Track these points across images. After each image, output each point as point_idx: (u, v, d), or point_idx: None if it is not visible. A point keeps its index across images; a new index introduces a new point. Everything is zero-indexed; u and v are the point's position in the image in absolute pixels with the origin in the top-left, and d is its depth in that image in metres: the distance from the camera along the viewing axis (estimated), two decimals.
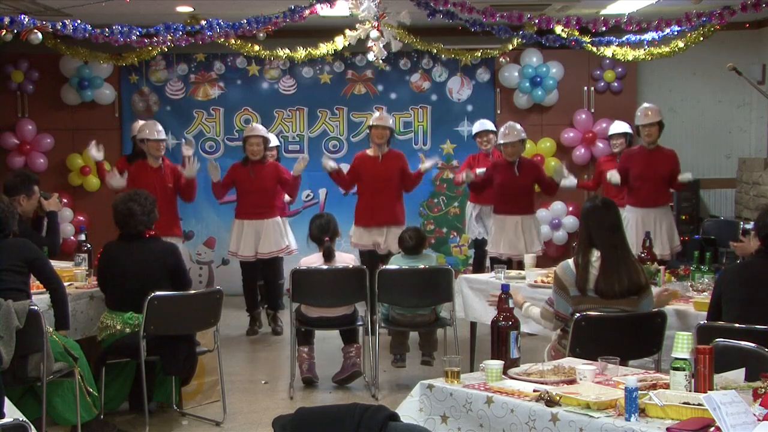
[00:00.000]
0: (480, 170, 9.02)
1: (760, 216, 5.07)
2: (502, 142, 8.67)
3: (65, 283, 6.25)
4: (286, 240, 9.05)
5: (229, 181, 9.05)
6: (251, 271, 9.14)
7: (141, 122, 9.18)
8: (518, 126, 8.77)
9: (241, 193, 9.06)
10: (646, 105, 8.75)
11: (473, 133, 9.77)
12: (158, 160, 8.64)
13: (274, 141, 9.68)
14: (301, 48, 10.09)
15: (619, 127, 9.84)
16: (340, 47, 9.51)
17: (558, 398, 3.50)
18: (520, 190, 8.62)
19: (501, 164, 8.71)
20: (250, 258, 8.98)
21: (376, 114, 9.15)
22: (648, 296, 5.11)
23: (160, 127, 8.79)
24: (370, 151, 8.89)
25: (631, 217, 8.46)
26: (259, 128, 9.19)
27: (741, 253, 6.45)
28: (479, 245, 9.53)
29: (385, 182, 8.77)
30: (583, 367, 3.85)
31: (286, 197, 9.38)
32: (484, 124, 9.66)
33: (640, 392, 3.33)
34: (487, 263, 9.35)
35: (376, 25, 7.79)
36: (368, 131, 9.05)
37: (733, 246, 6.57)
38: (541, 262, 7.91)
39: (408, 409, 3.93)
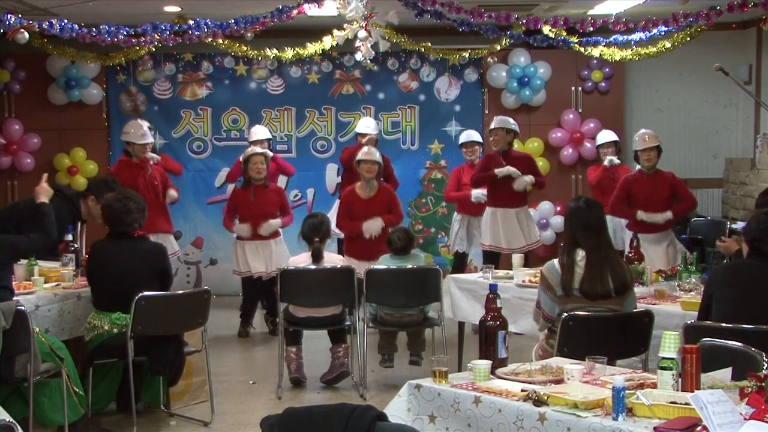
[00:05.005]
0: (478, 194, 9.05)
1: (749, 221, 5.11)
2: (490, 128, 8.88)
3: (52, 284, 6.26)
4: (285, 260, 8.97)
5: (233, 206, 8.87)
6: (253, 288, 9.00)
7: (130, 122, 9.18)
8: (508, 119, 8.89)
9: (242, 217, 8.85)
10: (643, 131, 8.59)
11: (459, 143, 9.77)
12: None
13: (265, 134, 9.71)
14: (289, 48, 10.09)
15: (607, 135, 9.87)
16: (328, 47, 9.51)
17: (546, 398, 3.50)
18: (507, 182, 8.60)
19: (492, 156, 8.76)
20: (263, 275, 8.80)
21: (365, 149, 8.61)
22: (631, 295, 5.13)
23: (146, 129, 8.76)
24: (359, 189, 8.40)
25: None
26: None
27: (725, 252, 6.48)
28: (460, 258, 9.54)
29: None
30: (570, 366, 3.86)
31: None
32: (470, 134, 9.66)
33: (627, 392, 3.34)
34: (476, 263, 9.37)
35: (364, 25, 7.79)
36: (357, 167, 8.52)
37: (718, 245, 6.59)
38: (529, 261, 7.94)
39: (396, 409, 3.93)
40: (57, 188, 7.41)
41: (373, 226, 8.20)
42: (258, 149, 8.99)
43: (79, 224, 7.37)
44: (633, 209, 8.29)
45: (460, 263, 9.53)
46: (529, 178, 8.62)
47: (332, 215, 9.06)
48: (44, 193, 6.17)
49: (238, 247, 8.88)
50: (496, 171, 8.55)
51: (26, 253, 6.04)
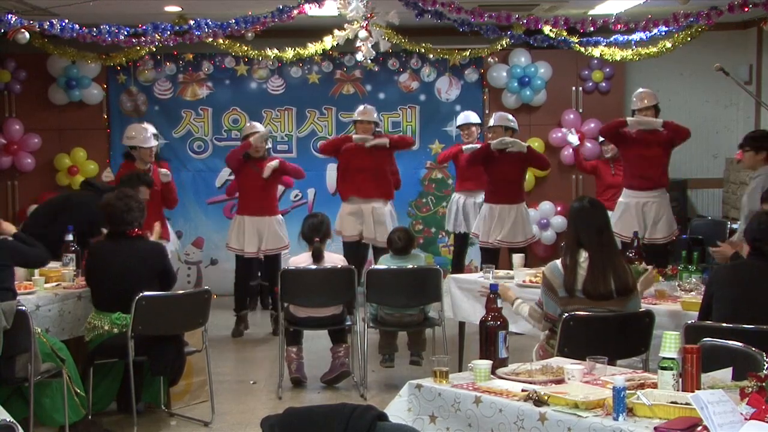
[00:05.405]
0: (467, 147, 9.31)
1: (750, 221, 5.11)
2: (488, 125, 9.01)
3: (53, 283, 6.25)
4: (286, 238, 9.02)
5: (239, 160, 8.92)
6: (246, 270, 9.11)
7: (132, 126, 9.14)
8: (507, 115, 9.01)
9: (243, 189, 9.03)
10: (641, 90, 8.65)
11: (456, 125, 9.88)
12: (147, 164, 8.63)
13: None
14: (290, 48, 10.10)
15: None
16: (328, 47, 9.52)
17: (546, 398, 3.50)
18: (504, 177, 8.66)
19: (488, 146, 8.78)
20: (253, 255, 8.94)
21: (360, 108, 9.21)
22: (634, 297, 5.13)
23: (150, 132, 8.72)
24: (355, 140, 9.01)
25: (630, 202, 8.42)
26: (258, 125, 9.21)
27: (720, 259, 6.46)
28: (461, 239, 9.59)
29: (373, 168, 8.96)
30: (571, 366, 3.86)
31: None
32: (468, 116, 9.76)
33: (628, 392, 3.34)
34: (476, 263, 9.37)
35: (365, 25, 7.78)
36: (353, 125, 9.22)
37: (713, 251, 6.57)
38: (529, 261, 7.93)
39: (396, 409, 3.93)
40: (90, 183, 7.47)
41: (374, 140, 8.87)
42: (258, 127, 9.09)
43: None
44: (622, 123, 8.43)
45: (462, 243, 9.60)
46: (519, 142, 8.74)
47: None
48: (7, 227, 6.26)
49: (239, 221, 8.95)
50: (491, 143, 8.66)
51: (26, 263, 6.03)
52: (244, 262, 9.06)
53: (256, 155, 8.89)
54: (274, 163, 8.90)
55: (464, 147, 9.34)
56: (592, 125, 10.98)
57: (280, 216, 9.14)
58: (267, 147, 9.12)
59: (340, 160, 9.15)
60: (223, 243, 9.43)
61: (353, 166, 8.98)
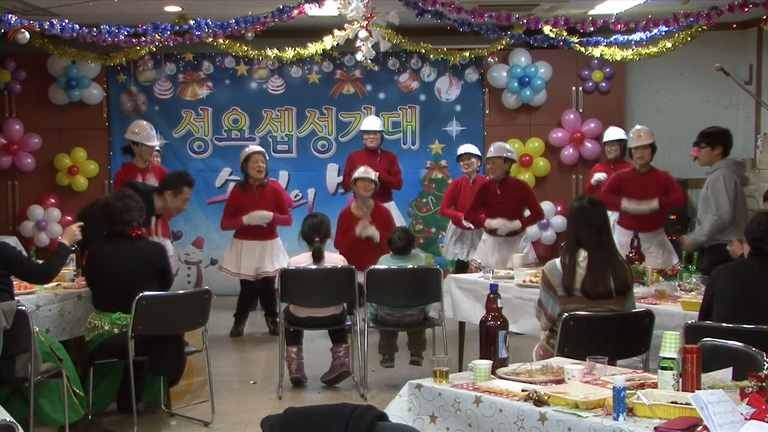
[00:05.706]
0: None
1: (750, 221, 5.12)
2: (487, 156, 8.68)
3: (53, 283, 6.25)
4: (286, 259, 8.91)
5: (233, 209, 8.82)
6: (251, 289, 9.05)
7: (138, 121, 9.15)
8: (506, 146, 8.66)
9: (243, 214, 8.78)
10: (638, 127, 8.52)
11: (456, 155, 9.75)
12: (146, 162, 8.63)
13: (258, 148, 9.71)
14: (290, 48, 10.10)
15: (614, 133, 9.82)
16: (328, 47, 9.51)
17: (546, 398, 3.51)
18: (502, 210, 8.40)
19: (488, 185, 8.61)
20: (250, 277, 8.88)
21: (361, 168, 8.61)
22: (632, 296, 5.13)
23: (154, 132, 8.77)
24: (354, 209, 8.48)
25: (623, 240, 8.33)
26: (255, 146, 9.12)
27: (734, 256, 6.44)
28: (461, 266, 9.48)
29: (370, 242, 8.38)
30: (571, 366, 3.86)
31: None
32: (467, 147, 9.59)
33: (628, 392, 3.34)
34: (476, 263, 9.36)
35: (365, 25, 7.78)
36: (353, 183, 8.58)
37: (730, 249, 6.52)
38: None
39: (397, 409, 3.93)
40: (131, 185, 7.48)
41: (367, 230, 8.27)
42: (257, 147, 9.03)
43: (153, 219, 7.61)
44: (619, 198, 8.24)
45: (463, 268, 9.51)
46: (513, 225, 8.38)
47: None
48: (70, 236, 6.14)
49: (236, 244, 8.88)
50: (486, 224, 8.44)
51: (23, 277, 5.94)
52: (247, 282, 9.00)
53: (259, 176, 8.76)
54: (267, 215, 8.71)
55: (465, 222, 9.01)
56: (592, 125, 10.98)
57: (279, 240, 9.01)
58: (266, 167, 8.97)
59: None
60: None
61: (352, 237, 8.41)
